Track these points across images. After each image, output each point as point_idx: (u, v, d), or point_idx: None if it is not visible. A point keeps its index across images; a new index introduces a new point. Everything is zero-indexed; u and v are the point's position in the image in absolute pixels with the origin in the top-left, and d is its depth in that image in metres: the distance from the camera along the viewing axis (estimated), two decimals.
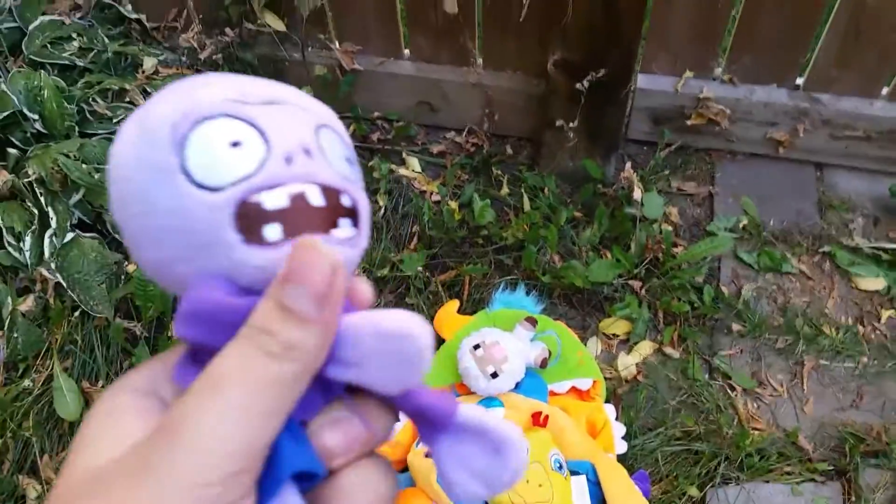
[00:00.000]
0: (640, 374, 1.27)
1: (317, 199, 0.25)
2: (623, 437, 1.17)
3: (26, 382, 1.24)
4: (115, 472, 0.21)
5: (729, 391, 1.26)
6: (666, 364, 1.28)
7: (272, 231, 0.24)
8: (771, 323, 1.34)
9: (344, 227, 0.26)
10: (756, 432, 1.20)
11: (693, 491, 1.14)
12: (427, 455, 1.12)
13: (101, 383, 1.26)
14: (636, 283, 1.34)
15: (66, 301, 1.28)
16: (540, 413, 1.13)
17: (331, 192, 0.25)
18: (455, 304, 1.32)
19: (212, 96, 0.25)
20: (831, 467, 1.18)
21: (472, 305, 1.35)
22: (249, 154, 0.24)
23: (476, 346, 1.16)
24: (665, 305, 1.32)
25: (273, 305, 0.22)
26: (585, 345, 1.29)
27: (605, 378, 1.24)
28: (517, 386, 1.18)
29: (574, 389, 1.21)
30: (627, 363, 1.28)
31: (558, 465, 1.09)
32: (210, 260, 0.24)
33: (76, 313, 1.29)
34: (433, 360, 1.21)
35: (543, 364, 1.19)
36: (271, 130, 0.25)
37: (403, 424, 1.17)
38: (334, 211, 0.25)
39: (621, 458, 1.15)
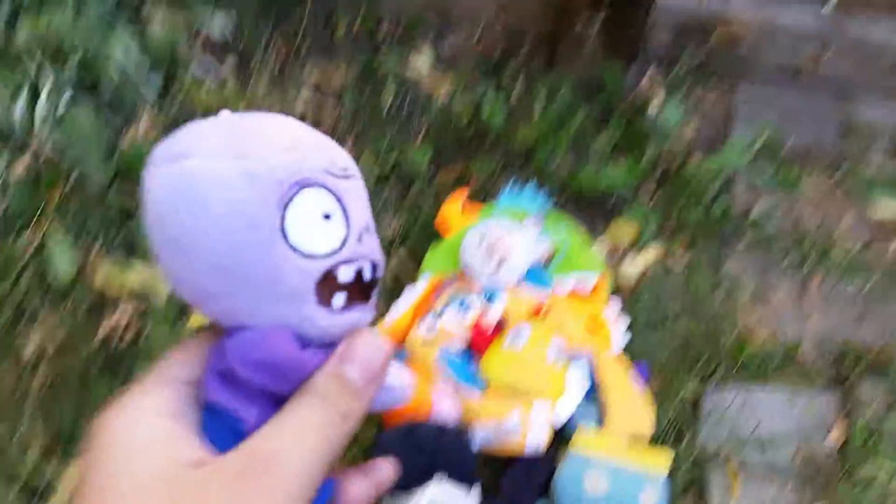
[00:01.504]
0: (645, 280, 1.26)
1: (368, 274, 0.28)
2: (624, 333, 1.16)
3: (20, 242, 1.22)
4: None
5: (733, 302, 1.25)
6: (671, 272, 1.27)
7: (339, 299, 0.27)
8: (780, 239, 1.32)
9: (374, 295, 0.29)
10: (757, 340, 1.19)
11: (688, 391, 1.14)
12: (425, 340, 1.11)
13: (96, 246, 1.24)
14: (647, 192, 1.32)
15: (61, 166, 1.26)
16: (542, 305, 1.12)
17: (377, 267, 0.29)
18: (462, 193, 1.29)
19: (314, 163, 0.27)
20: (830, 379, 1.18)
21: (480, 201, 1.32)
22: (336, 229, 0.27)
23: (482, 237, 1.14)
24: (675, 214, 1.30)
25: (336, 378, 0.26)
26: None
27: (611, 278, 1.23)
28: (520, 279, 1.16)
29: (578, 285, 1.20)
30: (632, 269, 1.26)
31: (557, 354, 1.09)
32: (279, 311, 0.26)
33: (72, 178, 1.26)
34: (437, 248, 1.19)
35: (549, 259, 1.17)
36: (350, 208, 0.28)
37: (402, 310, 1.16)
38: (374, 282, 0.29)
39: (620, 354, 1.14)
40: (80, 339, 1.17)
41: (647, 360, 1.17)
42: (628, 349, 1.16)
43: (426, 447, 0.94)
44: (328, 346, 0.27)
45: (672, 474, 1.06)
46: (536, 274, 1.18)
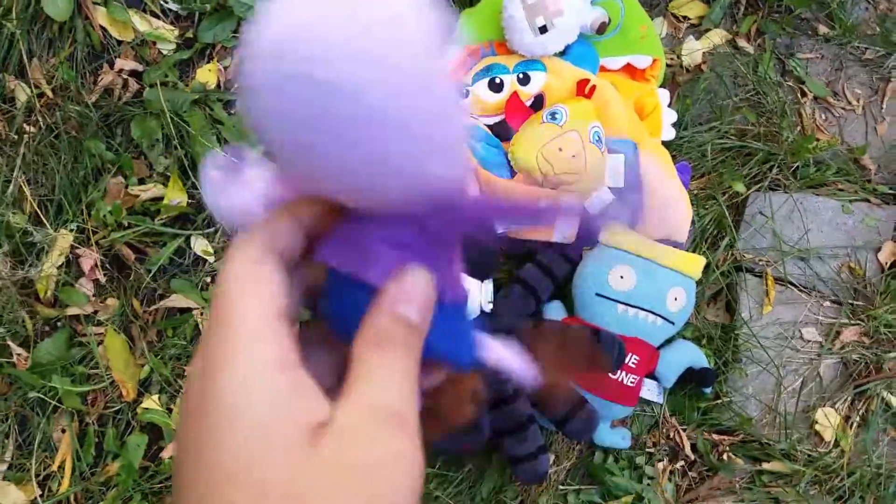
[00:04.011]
0: (706, 63, 1.11)
1: None
2: (673, 125, 1.05)
3: None
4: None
5: (799, 96, 1.11)
6: (736, 57, 1.12)
7: None
8: (864, 30, 1.15)
9: None
10: (818, 142, 1.08)
11: (739, 187, 1.04)
12: None
13: None
14: None
15: None
16: (587, 81, 0.99)
17: None
18: None
19: None
20: (891, 191, 1.08)
21: None
22: None
23: None
24: None
25: (400, 321, 0.27)
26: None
27: (666, 64, 1.09)
28: (565, 51, 1.03)
29: (629, 67, 1.06)
30: (694, 49, 1.12)
31: (597, 138, 0.98)
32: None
33: None
34: (472, 13, 1.04)
35: (601, 30, 1.02)
36: None
37: None
38: None
39: (667, 146, 1.03)
40: (78, 89, 1.07)
41: (697, 155, 1.06)
42: (677, 144, 1.06)
43: None
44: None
45: (703, 279, 0.99)
46: (583, 50, 1.04)
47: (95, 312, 1.04)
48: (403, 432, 0.25)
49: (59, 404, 1.00)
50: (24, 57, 1.08)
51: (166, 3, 1.11)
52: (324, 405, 0.25)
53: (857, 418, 0.99)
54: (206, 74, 1.10)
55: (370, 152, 0.22)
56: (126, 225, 1.04)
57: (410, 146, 0.23)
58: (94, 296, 1.04)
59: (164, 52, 1.10)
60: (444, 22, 0.22)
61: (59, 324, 1.04)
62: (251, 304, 0.25)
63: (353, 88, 0.21)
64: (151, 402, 1.00)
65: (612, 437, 0.97)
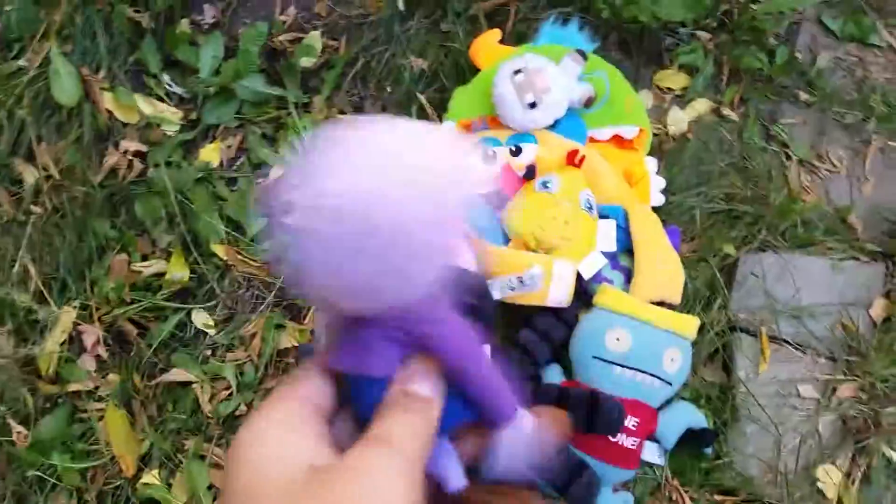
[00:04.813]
0: (691, 132, 1.16)
1: None
2: (662, 191, 1.08)
3: (21, 62, 1.14)
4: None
5: (784, 160, 1.15)
6: (721, 125, 1.16)
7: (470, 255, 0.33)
8: (843, 96, 1.20)
9: None
10: (805, 203, 1.10)
11: (728, 249, 1.06)
12: None
13: (101, 73, 1.15)
14: (705, 35, 1.19)
15: None
16: (576, 152, 1.03)
17: None
18: (497, 33, 1.17)
19: None
20: (879, 249, 1.10)
21: (516, 40, 1.20)
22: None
23: (517, 72, 1.03)
24: (733, 61, 1.17)
25: (413, 396, 0.29)
26: None
27: (653, 133, 1.13)
28: (554, 125, 1.07)
29: (617, 137, 1.10)
30: (679, 119, 1.16)
31: (588, 205, 1.01)
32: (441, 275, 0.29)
33: None
34: (465, 91, 1.08)
35: (588, 104, 1.07)
36: None
37: None
38: None
39: (657, 211, 1.06)
40: (84, 170, 1.10)
41: (687, 220, 1.09)
42: (666, 209, 1.08)
43: None
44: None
45: (698, 340, 1.00)
46: (572, 123, 1.08)
47: (97, 388, 1.04)
48: (402, 471, 0.27)
49: (57, 482, 0.99)
50: (34, 141, 1.12)
51: (171, 86, 1.16)
52: (329, 452, 0.28)
53: (859, 474, 0.98)
54: (210, 154, 1.13)
55: (395, 271, 0.28)
56: (129, 301, 1.06)
57: (427, 265, 0.28)
58: (95, 371, 1.05)
59: (169, 134, 1.14)
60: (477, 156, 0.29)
61: (59, 400, 1.04)
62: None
63: (395, 230, 0.27)
64: (151, 476, 1.00)
65: (615, 501, 0.96)
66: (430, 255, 0.28)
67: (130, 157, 1.13)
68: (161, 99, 1.16)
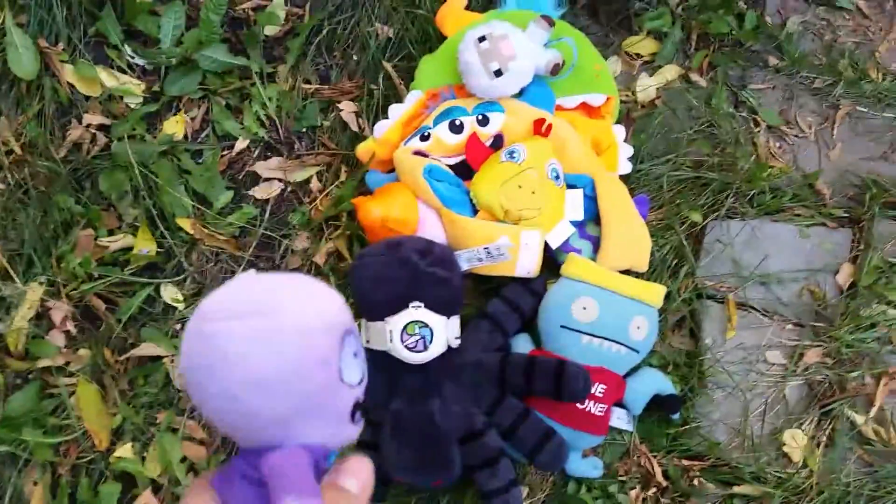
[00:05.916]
0: (660, 99, 1.15)
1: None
2: (629, 159, 1.08)
3: None
4: None
5: (752, 126, 1.15)
6: (689, 91, 1.16)
7: (358, 416, 0.38)
8: (811, 61, 1.20)
9: None
10: (773, 169, 1.11)
11: (696, 217, 1.07)
12: (415, 153, 1.03)
13: (61, 45, 1.13)
14: None
15: None
16: (543, 121, 1.02)
17: None
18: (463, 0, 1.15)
19: (347, 315, 0.38)
20: (846, 214, 1.11)
21: (483, 6, 1.19)
22: (361, 363, 0.38)
23: (482, 39, 1.02)
24: (702, 25, 1.16)
25: (341, 491, 0.36)
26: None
27: (621, 101, 1.12)
28: (521, 93, 1.06)
29: (584, 105, 1.09)
30: (648, 85, 1.15)
31: (555, 175, 1.01)
32: (323, 422, 0.36)
33: None
34: (430, 60, 1.07)
35: (555, 71, 1.05)
36: (360, 349, 0.39)
37: (391, 124, 1.06)
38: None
39: (624, 179, 1.06)
40: (47, 145, 1.08)
41: (655, 188, 1.09)
42: (634, 177, 1.08)
43: (409, 262, 0.87)
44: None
45: (666, 307, 1.01)
46: (540, 91, 1.07)
47: (67, 363, 1.04)
48: None
49: (30, 457, 1.00)
50: None
51: (133, 58, 1.14)
52: None
53: (824, 438, 1.00)
54: (174, 126, 1.12)
55: (230, 427, 0.36)
56: (96, 276, 1.05)
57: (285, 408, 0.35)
58: (65, 347, 1.04)
59: (132, 106, 1.12)
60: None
61: (30, 376, 1.04)
62: None
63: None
64: (124, 450, 1.00)
65: (584, 466, 0.98)
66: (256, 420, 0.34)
67: (94, 131, 1.11)
68: (123, 71, 1.14)
